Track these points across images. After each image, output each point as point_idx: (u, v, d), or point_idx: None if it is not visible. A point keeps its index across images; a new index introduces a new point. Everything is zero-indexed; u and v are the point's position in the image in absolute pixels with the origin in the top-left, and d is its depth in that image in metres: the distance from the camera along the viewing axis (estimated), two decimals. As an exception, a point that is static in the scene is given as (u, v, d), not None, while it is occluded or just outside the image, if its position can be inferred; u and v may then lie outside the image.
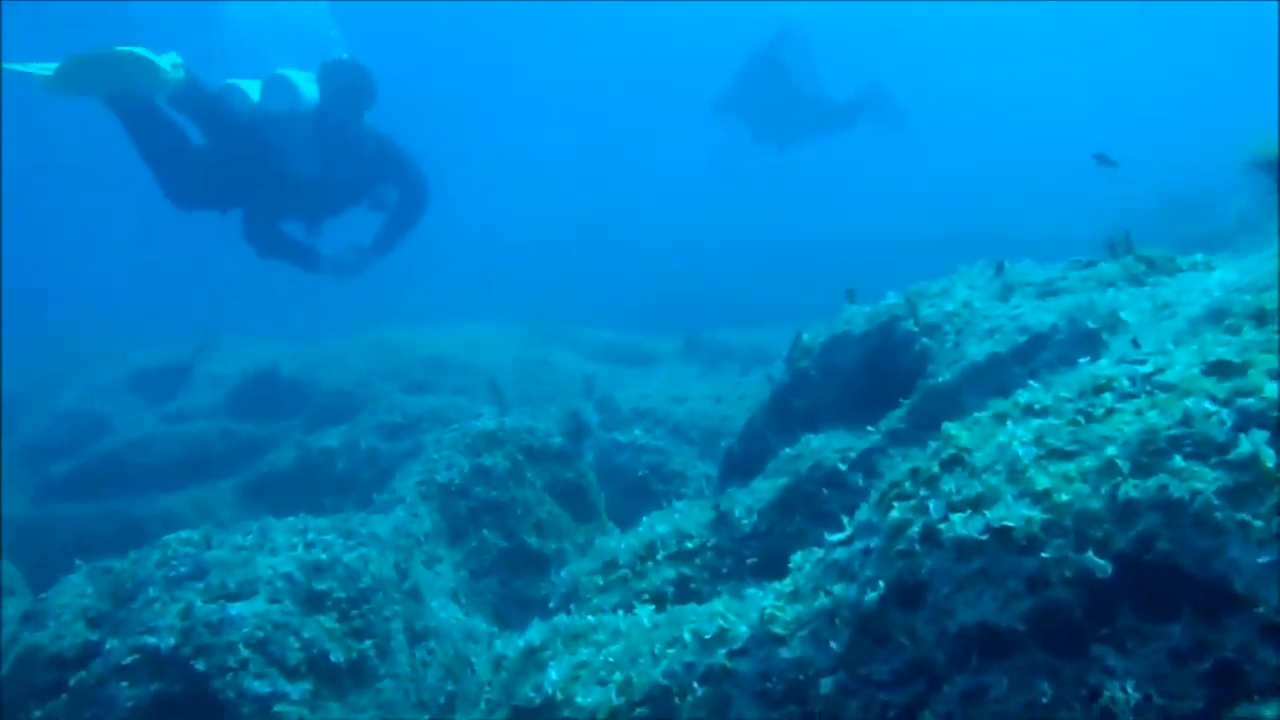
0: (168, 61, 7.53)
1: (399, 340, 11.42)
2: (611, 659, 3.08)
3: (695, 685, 2.73)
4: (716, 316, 12.76)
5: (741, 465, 4.74)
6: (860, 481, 3.79)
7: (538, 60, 38.60)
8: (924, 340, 4.00)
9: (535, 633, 3.41)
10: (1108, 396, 2.46)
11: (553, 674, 3.11)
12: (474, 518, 5.44)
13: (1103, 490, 2.21)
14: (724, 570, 3.97)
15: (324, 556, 4.47)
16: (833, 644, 2.48)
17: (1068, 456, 2.34)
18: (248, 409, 10.60)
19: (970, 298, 4.07)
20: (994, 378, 3.51)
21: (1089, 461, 2.29)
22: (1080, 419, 2.43)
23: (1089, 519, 2.19)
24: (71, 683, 4.15)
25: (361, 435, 8.46)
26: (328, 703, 4.26)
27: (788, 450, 4.18)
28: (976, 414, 2.65)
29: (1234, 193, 12.12)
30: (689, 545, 4.08)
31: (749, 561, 3.93)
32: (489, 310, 13.71)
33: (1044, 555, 2.18)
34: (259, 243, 8.39)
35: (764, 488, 4.11)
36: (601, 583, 4.10)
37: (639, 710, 2.82)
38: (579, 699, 2.97)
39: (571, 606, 3.96)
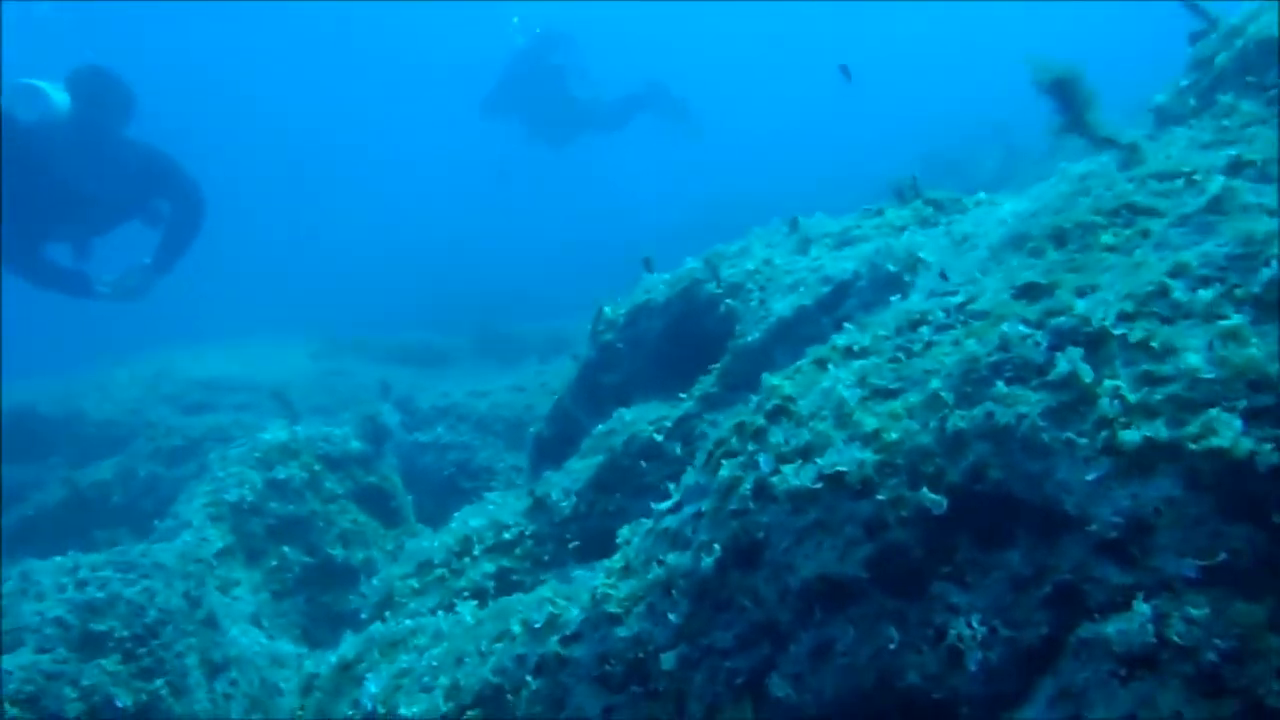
0: None
1: (169, 364, 10.62)
2: (435, 663, 2.86)
3: (529, 679, 2.54)
4: (507, 312, 12.54)
5: (552, 449, 4.56)
6: (678, 450, 3.68)
7: (301, 61, 37.09)
8: (728, 301, 3.93)
9: (348, 646, 3.14)
10: (924, 330, 2.42)
11: (371, 687, 2.86)
12: (272, 535, 5.05)
13: (931, 424, 2.15)
14: (545, 558, 3.78)
15: (100, 595, 4.02)
16: (671, 616, 2.35)
17: (892, 395, 2.28)
18: (6, 450, 9.61)
19: (769, 255, 4.02)
20: (803, 331, 3.46)
21: (914, 397, 2.23)
22: (900, 355, 2.38)
23: (920, 455, 2.12)
24: None
25: (138, 463, 7.79)
26: (119, 755, 3.83)
27: (600, 427, 4.03)
28: (797, 363, 2.56)
29: (989, 151, 12.82)
30: (506, 536, 3.87)
31: (571, 545, 3.76)
32: (267, 327, 12.99)
33: (879, 497, 2.11)
34: (26, 272, 7.82)
35: (580, 468, 3.95)
36: (417, 585, 3.84)
37: (470, 714, 2.61)
38: (402, 710, 2.74)
39: (386, 615, 3.68)
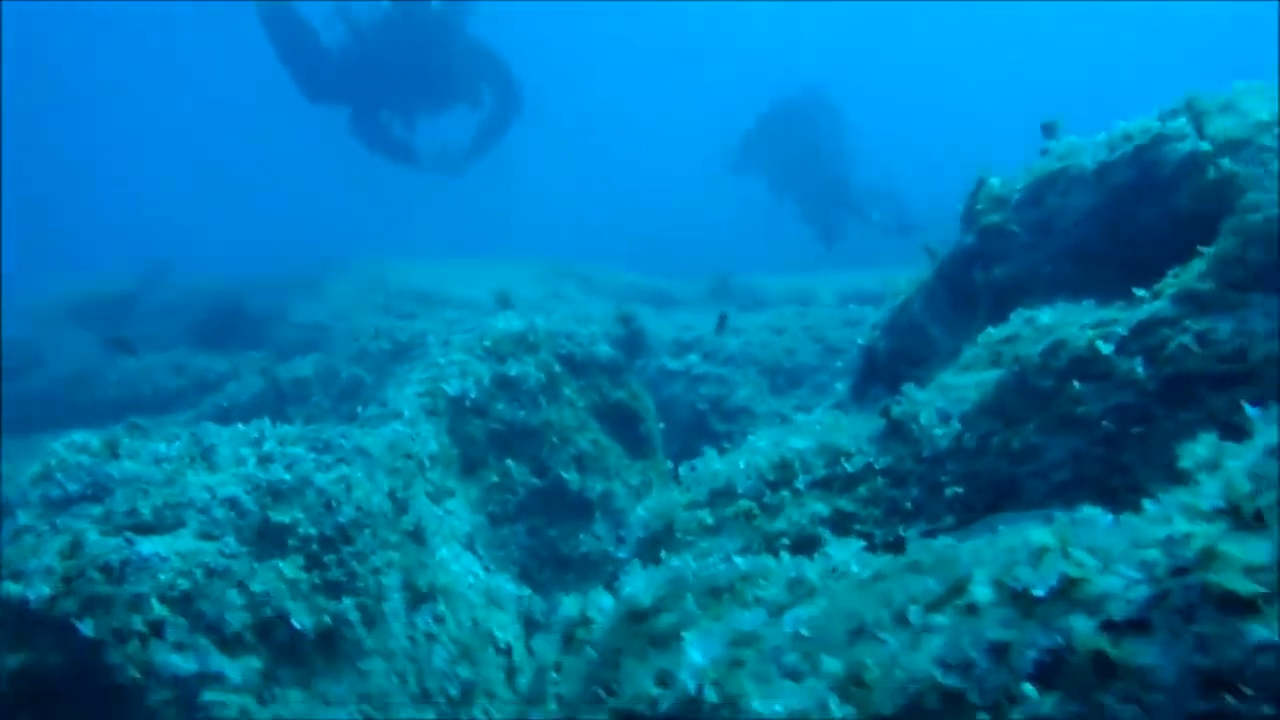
0: None
1: (383, 273, 9.88)
2: (805, 631, 1.68)
3: (1026, 689, 1.33)
4: (743, 263, 11.35)
5: (889, 369, 3.34)
6: (1139, 370, 2.39)
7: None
8: (1222, 163, 2.60)
9: (639, 585, 2.00)
10: None
11: (694, 655, 1.70)
12: (495, 443, 3.99)
13: None
14: (908, 505, 2.56)
15: (287, 476, 3.04)
16: None
17: None
18: (207, 341, 9.09)
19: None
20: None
21: None
22: None
23: None
24: (-109, 651, 2.72)
25: (341, 364, 7.00)
26: (286, 689, 2.85)
27: (993, 331, 2.78)
28: None
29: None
30: (846, 467, 2.67)
31: (949, 492, 2.53)
32: (494, 250, 12.28)
33: None
34: (367, 137, 9.57)
35: (962, 384, 2.70)
36: (710, 520, 2.69)
37: (894, 732, 1.43)
38: (756, 706, 1.57)
39: (662, 555, 2.54)
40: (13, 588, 2.70)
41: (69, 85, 34.55)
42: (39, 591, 2.68)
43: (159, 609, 2.74)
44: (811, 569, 1.86)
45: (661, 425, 4.55)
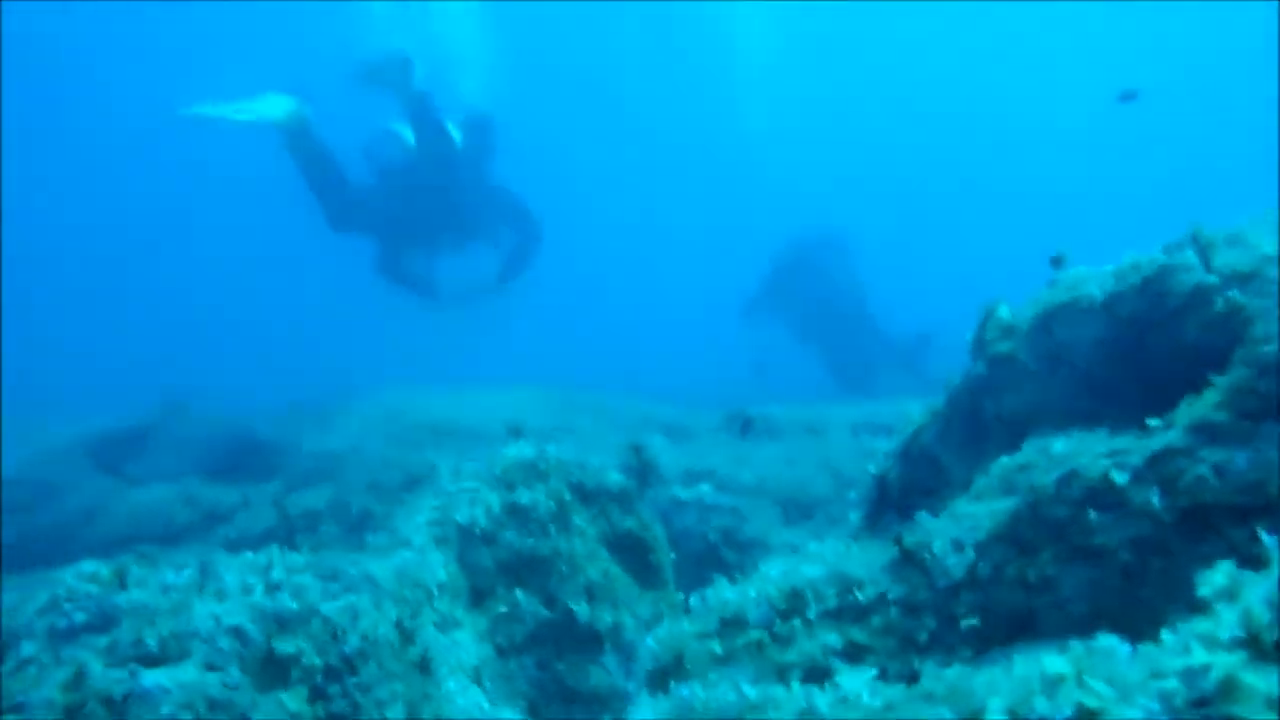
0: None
1: (396, 403, 9.94)
2: (818, 768, 1.63)
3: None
4: (753, 395, 11.39)
5: (902, 498, 3.31)
6: (1154, 501, 2.37)
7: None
8: (1230, 295, 2.63)
9: (648, 715, 1.96)
10: None
11: (703, 792, 1.65)
12: (504, 573, 3.95)
13: None
14: (922, 637, 2.52)
15: (294, 604, 3.01)
16: None
17: None
18: (220, 473, 9.10)
19: (1284, 245, 2.72)
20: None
21: None
22: None
23: None
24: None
25: (352, 495, 6.98)
26: (285, 830, 2.76)
27: (1006, 460, 2.77)
28: None
29: None
30: (858, 597, 2.63)
31: (965, 624, 2.48)
32: (503, 379, 12.34)
33: None
34: (390, 273, 9.89)
35: (975, 513, 2.68)
36: (719, 651, 2.63)
37: None
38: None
39: (671, 687, 2.48)
40: (12, 721, 2.65)
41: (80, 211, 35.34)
42: (39, 724, 2.63)
43: (159, 742, 2.68)
44: (822, 699, 1.82)
45: (673, 555, 4.50)
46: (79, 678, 2.74)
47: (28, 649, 2.89)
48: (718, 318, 16.65)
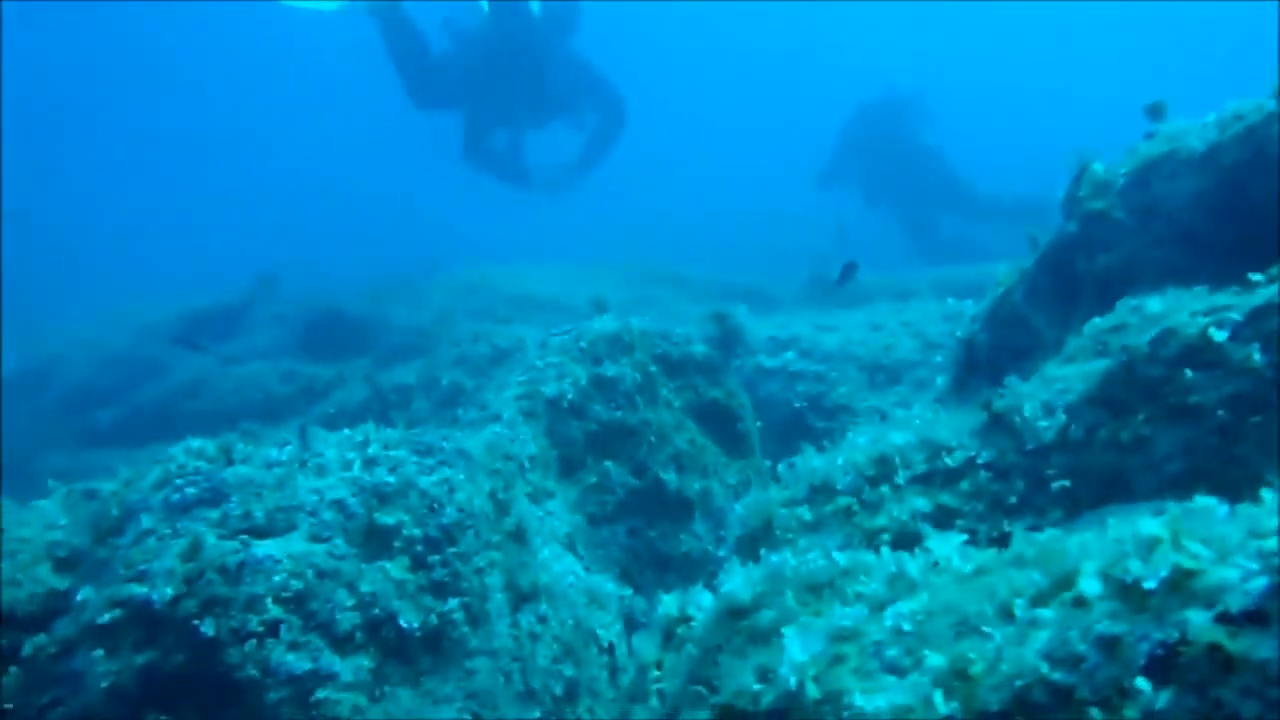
0: None
1: (480, 278, 10.07)
2: (907, 625, 1.66)
3: (1140, 684, 1.30)
4: (835, 261, 11.17)
5: (990, 362, 3.28)
6: (1255, 357, 2.31)
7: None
8: (1341, 140, 2.50)
9: (737, 581, 2.00)
10: None
11: (795, 651, 1.70)
12: (593, 445, 4.03)
13: None
14: (1012, 499, 2.51)
15: (392, 479, 3.11)
16: None
17: None
18: (312, 349, 9.36)
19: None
20: None
21: None
22: None
23: None
24: (26, 651, 2.85)
25: (442, 370, 7.13)
26: (395, 688, 2.91)
27: (1099, 320, 2.71)
28: None
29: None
30: (947, 462, 2.63)
31: (1055, 486, 2.47)
32: (580, 253, 12.35)
33: None
34: (477, 157, 9.75)
35: (1066, 375, 2.64)
36: (809, 517, 2.67)
37: (1001, 730, 1.40)
38: (859, 701, 1.56)
39: (761, 553, 2.53)
40: (137, 589, 2.82)
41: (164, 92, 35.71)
42: (162, 593, 2.79)
43: (274, 609, 2.82)
44: (912, 564, 1.84)
45: (759, 423, 4.53)
46: (195, 549, 2.89)
47: (146, 521, 3.05)
48: (796, 186, 16.30)
